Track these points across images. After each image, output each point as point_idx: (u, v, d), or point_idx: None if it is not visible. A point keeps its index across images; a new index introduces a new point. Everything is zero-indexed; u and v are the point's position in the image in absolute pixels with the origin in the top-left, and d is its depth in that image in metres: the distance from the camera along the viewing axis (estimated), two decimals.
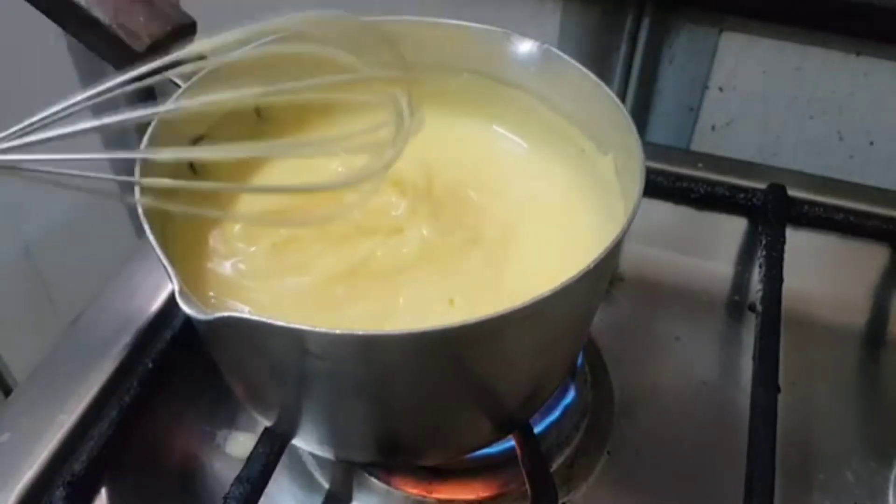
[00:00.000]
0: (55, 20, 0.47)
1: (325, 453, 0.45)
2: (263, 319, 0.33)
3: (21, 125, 0.36)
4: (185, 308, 0.34)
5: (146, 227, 0.37)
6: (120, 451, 0.50)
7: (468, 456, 0.48)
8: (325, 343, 0.34)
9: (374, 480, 0.49)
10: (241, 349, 0.39)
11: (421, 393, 0.39)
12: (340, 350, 0.35)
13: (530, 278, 0.44)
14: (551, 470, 0.49)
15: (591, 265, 0.35)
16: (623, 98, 0.75)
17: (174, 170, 0.45)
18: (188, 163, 0.46)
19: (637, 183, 0.40)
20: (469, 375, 0.39)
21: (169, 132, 0.43)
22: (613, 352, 0.57)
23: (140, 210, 0.38)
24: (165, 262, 0.35)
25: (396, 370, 0.37)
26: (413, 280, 0.43)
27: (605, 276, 0.44)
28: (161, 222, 0.42)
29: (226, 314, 0.33)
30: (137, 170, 0.40)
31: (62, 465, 0.48)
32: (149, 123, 0.42)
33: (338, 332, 0.33)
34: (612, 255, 0.37)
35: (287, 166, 0.50)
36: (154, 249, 0.36)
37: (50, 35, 0.83)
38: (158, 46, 0.46)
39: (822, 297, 0.61)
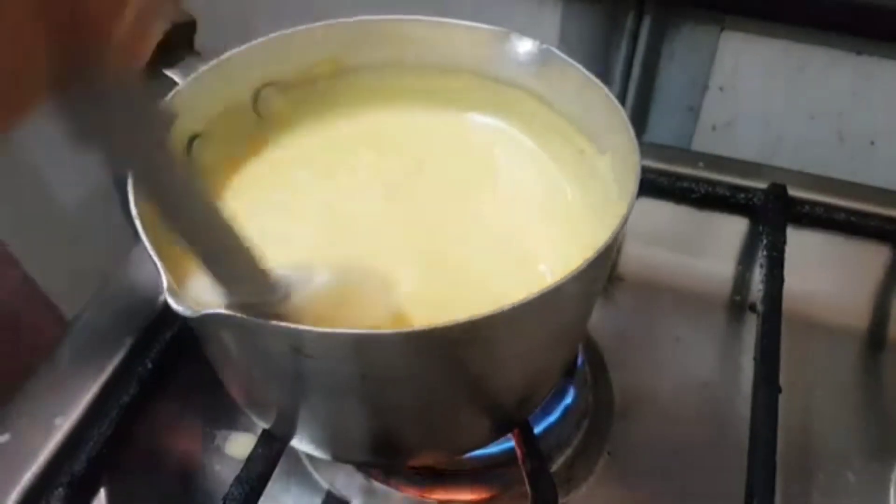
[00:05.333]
0: None
1: (323, 454, 0.45)
2: (252, 318, 0.33)
3: None
4: (174, 305, 0.33)
5: (137, 224, 0.37)
6: (120, 451, 0.50)
7: (468, 456, 0.48)
8: (316, 342, 0.34)
9: (373, 481, 0.49)
10: (232, 349, 0.39)
11: (415, 393, 0.39)
12: (332, 349, 0.35)
13: (530, 278, 0.44)
14: (551, 470, 0.49)
15: (584, 266, 0.35)
16: (623, 98, 0.75)
17: None
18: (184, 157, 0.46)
19: (632, 186, 0.40)
20: (463, 375, 0.39)
21: None
22: (614, 352, 0.57)
23: (133, 208, 0.38)
24: (155, 257, 0.35)
25: (388, 370, 0.37)
26: (411, 279, 0.43)
27: (600, 276, 0.44)
28: (158, 222, 0.42)
29: (213, 311, 0.33)
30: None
31: (62, 465, 0.48)
32: None
33: (329, 330, 0.33)
34: (605, 256, 0.37)
35: (287, 165, 0.50)
36: (146, 247, 0.36)
37: None
38: (158, 44, 0.46)
39: (823, 297, 0.61)
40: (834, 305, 0.61)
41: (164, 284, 0.34)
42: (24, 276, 0.70)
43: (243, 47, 0.47)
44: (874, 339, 0.61)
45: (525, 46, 0.49)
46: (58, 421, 0.50)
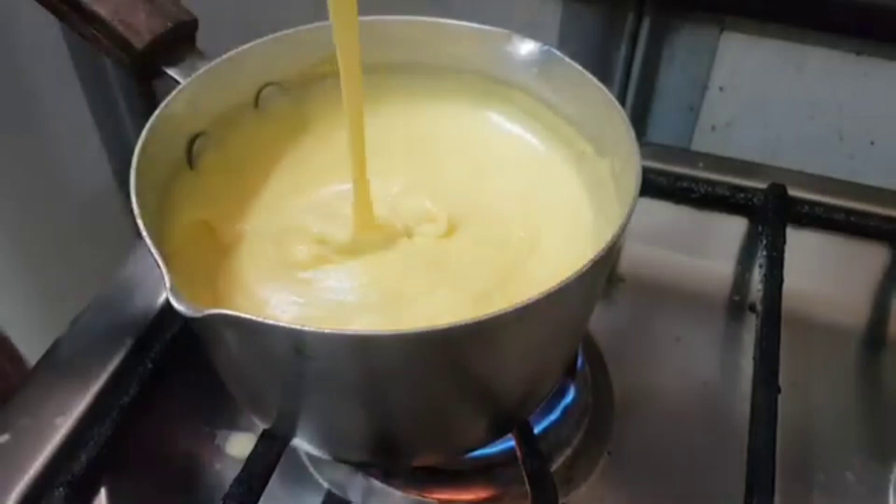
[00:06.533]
0: (56, 14, 0.47)
1: (323, 454, 0.45)
2: (254, 318, 0.33)
3: None
4: (176, 305, 0.33)
5: (140, 223, 0.37)
6: (120, 451, 0.50)
7: (468, 456, 0.48)
8: (318, 342, 0.34)
9: (373, 481, 0.49)
10: (233, 348, 0.39)
11: (415, 393, 0.39)
12: (332, 350, 0.35)
13: (530, 280, 0.44)
14: (551, 470, 0.49)
15: (585, 267, 0.35)
16: (623, 98, 0.75)
17: (172, 166, 0.45)
18: (186, 158, 0.46)
19: (632, 188, 0.40)
20: (464, 376, 0.39)
21: (168, 128, 0.43)
22: (614, 352, 0.57)
23: (135, 208, 0.38)
24: (157, 257, 0.35)
25: (388, 370, 0.37)
26: (416, 284, 0.43)
27: (599, 279, 0.44)
28: (160, 221, 0.42)
29: (216, 311, 0.33)
30: (133, 167, 0.39)
31: (62, 465, 0.48)
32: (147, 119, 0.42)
33: (329, 331, 0.33)
34: (605, 260, 0.37)
35: (288, 164, 0.50)
36: (148, 247, 0.36)
37: (49, 31, 0.83)
38: (159, 43, 0.46)
39: (822, 297, 0.61)
40: (833, 305, 0.61)
41: (167, 283, 0.34)
42: None
43: (245, 46, 0.47)
44: (874, 338, 0.61)
45: (526, 47, 0.49)
46: (58, 421, 0.50)
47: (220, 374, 0.44)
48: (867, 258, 0.64)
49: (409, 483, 0.49)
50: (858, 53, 0.67)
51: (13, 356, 0.72)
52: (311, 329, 0.33)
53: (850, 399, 0.56)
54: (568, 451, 0.51)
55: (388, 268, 0.44)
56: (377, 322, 0.41)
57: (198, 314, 0.33)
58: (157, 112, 0.42)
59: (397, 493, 0.49)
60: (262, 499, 0.45)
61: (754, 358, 0.53)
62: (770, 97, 0.72)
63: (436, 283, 0.43)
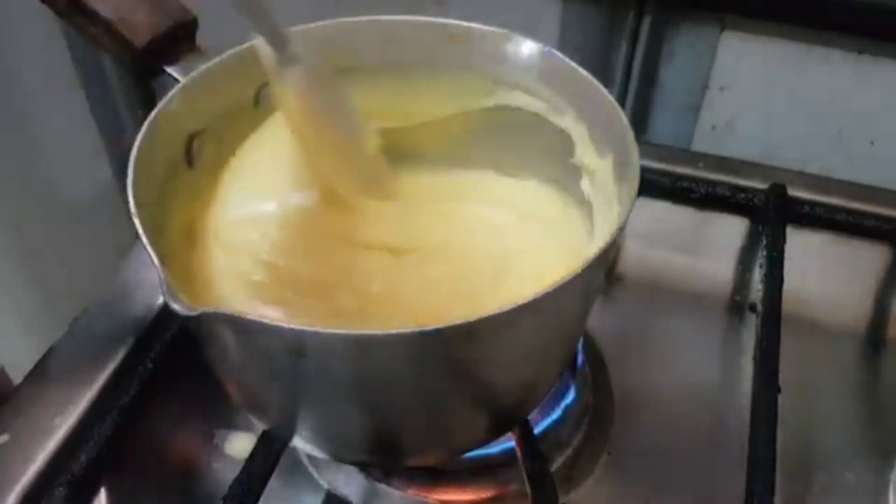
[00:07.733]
0: (56, 12, 0.47)
1: (322, 454, 0.45)
2: (248, 316, 0.33)
3: None
4: (170, 302, 0.33)
5: (137, 224, 0.37)
6: (120, 451, 0.50)
7: (468, 456, 0.48)
8: (314, 342, 0.34)
9: (373, 481, 0.49)
10: (230, 348, 0.38)
11: (414, 393, 0.39)
12: (330, 349, 0.35)
13: (530, 281, 0.44)
14: (551, 470, 0.49)
15: (580, 269, 0.35)
16: (624, 98, 0.75)
17: (170, 163, 0.45)
18: (184, 155, 0.46)
19: (632, 188, 0.40)
20: (462, 375, 0.39)
21: (167, 127, 0.43)
22: (614, 352, 0.57)
23: (132, 208, 0.37)
24: (154, 257, 0.35)
25: (387, 370, 0.37)
26: (411, 288, 0.43)
27: (597, 278, 0.44)
28: (158, 220, 0.42)
29: (210, 309, 0.33)
30: (131, 164, 0.39)
31: (62, 465, 0.48)
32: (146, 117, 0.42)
33: (327, 331, 0.33)
34: (604, 257, 0.37)
35: (288, 159, 0.50)
36: (145, 247, 0.36)
37: (48, 30, 0.83)
38: (159, 41, 0.46)
39: (822, 298, 0.61)
40: (834, 305, 0.61)
41: (161, 279, 0.34)
42: None
43: (244, 45, 0.47)
44: (874, 339, 0.61)
45: (526, 47, 0.49)
46: (57, 421, 0.50)
47: (218, 374, 0.44)
48: (867, 258, 0.64)
49: (409, 483, 0.49)
50: (860, 52, 0.67)
51: None
52: (308, 328, 0.33)
53: (850, 399, 0.56)
54: (568, 451, 0.51)
55: (374, 268, 0.44)
56: (367, 324, 0.41)
57: (192, 312, 0.33)
58: (155, 110, 0.42)
59: (397, 493, 0.49)
60: (261, 499, 0.45)
61: (754, 358, 0.53)
62: (770, 96, 0.72)
63: (425, 281, 0.43)
